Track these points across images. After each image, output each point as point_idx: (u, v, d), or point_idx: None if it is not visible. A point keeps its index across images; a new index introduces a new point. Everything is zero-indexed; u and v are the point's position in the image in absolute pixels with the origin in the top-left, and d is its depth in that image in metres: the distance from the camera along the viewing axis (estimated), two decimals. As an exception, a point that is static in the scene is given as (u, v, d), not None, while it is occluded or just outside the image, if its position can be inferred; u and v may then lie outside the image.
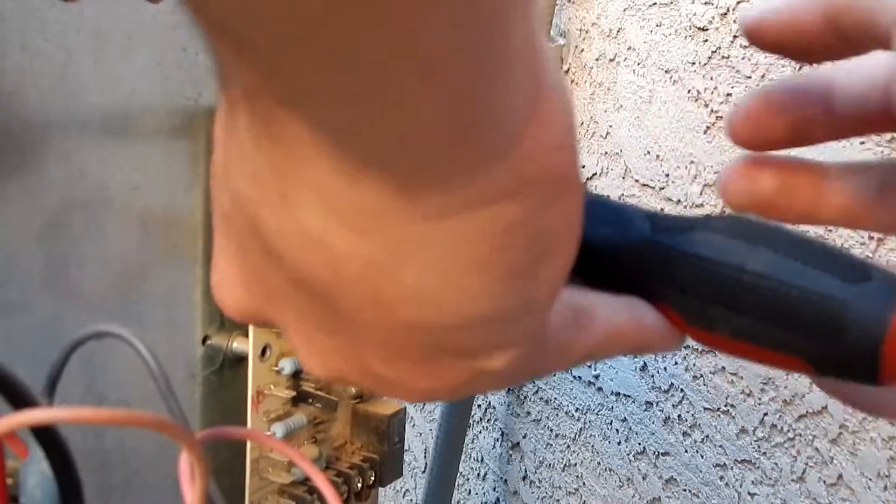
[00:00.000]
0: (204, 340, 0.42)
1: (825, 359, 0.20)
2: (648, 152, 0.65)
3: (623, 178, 0.67)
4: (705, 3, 0.60)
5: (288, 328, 0.17)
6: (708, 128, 0.60)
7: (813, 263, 0.20)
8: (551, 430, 0.79)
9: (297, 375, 0.43)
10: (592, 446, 0.74)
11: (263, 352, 0.42)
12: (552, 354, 0.19)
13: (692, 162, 0.61)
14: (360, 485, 0.46)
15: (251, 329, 0.41)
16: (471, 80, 0.13)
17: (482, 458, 0.88)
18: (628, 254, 0.22)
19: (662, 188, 0.64)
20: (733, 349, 0.21)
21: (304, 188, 0.14)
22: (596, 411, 0.73)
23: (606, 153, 0.69)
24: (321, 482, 0.38)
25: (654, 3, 0.65)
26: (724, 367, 0.60)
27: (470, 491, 0.90)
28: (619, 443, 0.71)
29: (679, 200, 0.62)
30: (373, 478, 0.46)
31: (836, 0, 0.20)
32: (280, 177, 0.14)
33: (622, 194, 0.67)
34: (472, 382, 0.18)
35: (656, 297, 0.21)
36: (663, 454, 0.66)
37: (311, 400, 0.43)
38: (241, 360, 0.43)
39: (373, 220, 0.14)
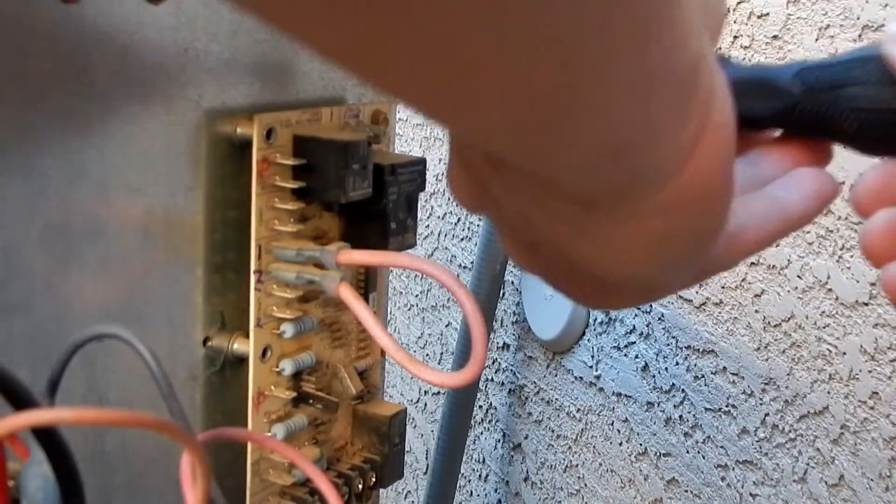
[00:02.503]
0: (205, 342, 0.42)
1: None
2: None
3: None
4: (705, 4, 0.60)
5: (501, 230, 0.23)
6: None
7: None
8: (553, 431, 0.79)
9: (297, 376, 0.43)
10: (594, 447, 0.74)
11: (264, 353, 0.42)
12: (703, 272, 0.23)
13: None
14: (360, 486, 0.46)
15: (252, 330, 0.41)
16: (638, 129, 0.17)
17: (484, 459, 0.88)
18: (786, 122, 0.24)
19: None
20: None
21: (553, 210, 0.19)
22: (597, 412, 0.73)
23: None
24: (323, 484, 0.38)
25: (655, 4, 0.65)
26: (725, 368, 0.60)
27: (471, 492, 0.90)
28: (620, 443, 0.71)
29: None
30: (374, 479, 0.46)
31: None
32: (541, 206, 0.20)
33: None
34: (635, 303, 0.25)
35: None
36: (665, 455, 0.66)
37: (311, 401, 0.43)
38: (242, 361, 0.43)
39: (588, 225, 0.19)
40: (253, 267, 0.40)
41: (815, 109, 0.23)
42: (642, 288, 0.22)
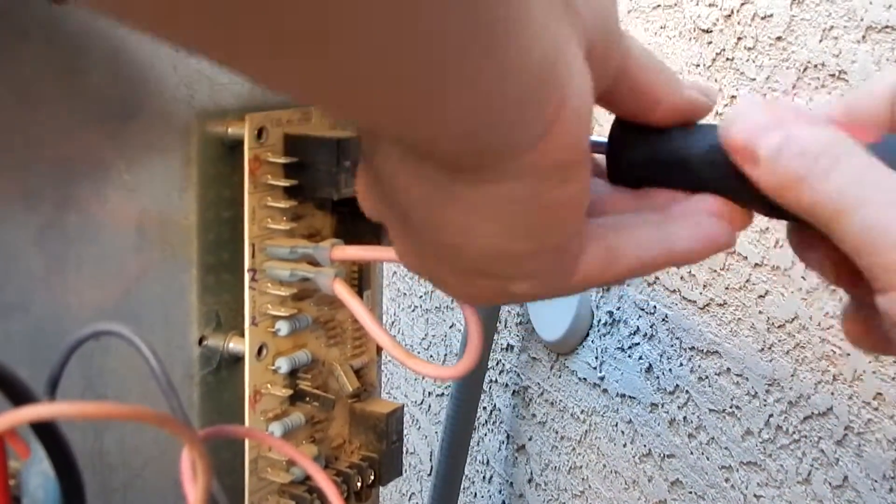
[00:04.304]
0: (200, 341, 0.42)
1: None
2: (652, 153, 0.64)
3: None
4: (709, 5, 0.60)
5: (391, 232, 0.25)
6: (711, 128, 0.60)
7: None
8: (557, 433, 0.78)
9: (293, 374, 0.43)
10: (598, 448, 0.73)
11: (260, 351, 0.42)
12: (580, 281, 0.24)
13: (696, 162, 0.61)
14: (359, 484, 0.46)
15: (247, 329, 0.41)
16: (501, 112, 0.19)
17: (488, 460, 0.88)
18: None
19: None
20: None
21: (425, 176, 0.22)
22: (601, 413, 0.73)
23: (611, 154, 0.69)
24: (323, 481, 0.38)
25: (658, 6, 0.64)
26: (729, 369, 0.60)
27: (476, 494, 0.90)
28: (624, 445, 0.71)
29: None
30: (372, 477, 0.46)
31: None
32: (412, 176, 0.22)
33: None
34: (501, 297, 0.25)
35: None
36: (669, 456, 0.66)
37: (307, 399, 0.43)
38: (238, 360, 0.43)
39: (455, 187, 0.21)
40: (247, 265, 0.40)
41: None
42: (501, 273, 0.23)
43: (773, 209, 0.24)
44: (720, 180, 0.25)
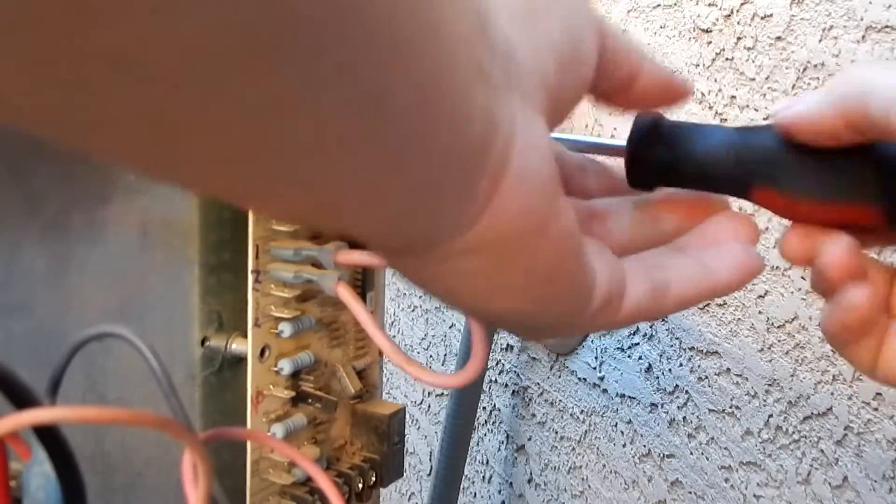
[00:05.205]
0: (203, 342, 0.42)
1: None
2: (652, 154, 0.65)
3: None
4: (709, 5, 0.60)
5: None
6: (711, 129, 0.60)
7: None
8: (556, 433, 0.78)
9: (295, 376, 0.43)
10: (598, 448, 0.74)
11: (262, 352, 0.42)
12: (626, 318, 0.24)
13: (696, 163, 0.61)
14: (361, 485, 0.46)
15: (250, 330, 0.41)
16: (418, 201, 0.19)
17: (487, 460, 0.88)
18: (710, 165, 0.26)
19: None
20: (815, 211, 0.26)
21: (390, 259, 0.22)
22: (601, 413, 0.73)
23: (610, 155, 0.69)
24: (324, 482, 0.38)
25: (658, 5, 0.64)
26: (728, 369, 0.60)
27: (475, 494, 0.90)
28: (624, 445, 0.71)
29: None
30: (374, 478, 0.46)
31: (849, 108, 0.24)
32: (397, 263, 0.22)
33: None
34: (539, 336, 0.26)
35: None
36: (668, 456, 0.66)
37: (310, 400, 0.43)
38: (240, 360, 0.43)
39: (416, 266, 0.21)
40: (251, 266, 0.40)
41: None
42: (517, 323, 0.23)
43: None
44: (745, 175, 0.26)
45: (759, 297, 0.57)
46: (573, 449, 0.76)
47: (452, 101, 0.17)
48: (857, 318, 0.25)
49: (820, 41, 0.52)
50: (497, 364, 0.85)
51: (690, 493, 0.65)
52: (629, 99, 0.26)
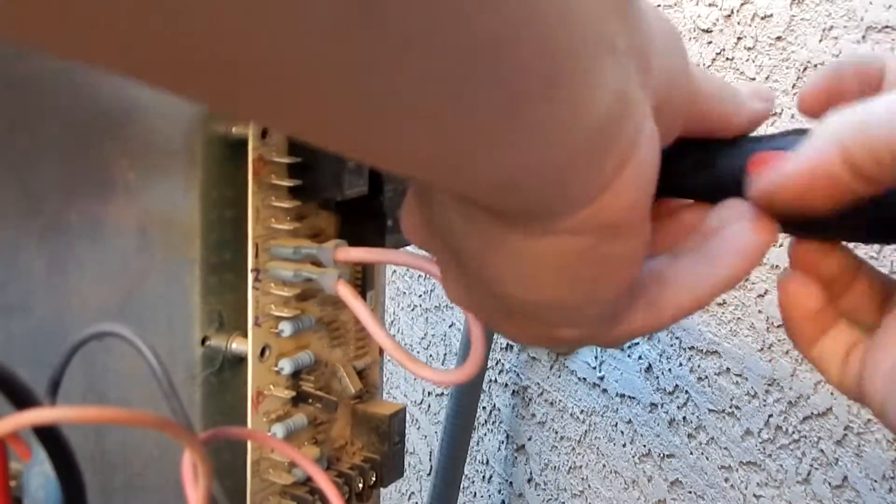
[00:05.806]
0: (203, 341, 0.42)
1: None
2: (652, 153, 0.65)
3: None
4: (709, 5, 0.60)
5: (440, 265, 0.25)
6: (711, 128, 0.60)
7: None
8: (556, 433, 0.78)
9: (296, 376, 0.43)
10: (598, 448, 0.74)
11: (263, 352, 0.42)
12: (623, 334, 0.25)
13: (696, 163, 0.61)
14: (361, 485, 0.46)
15: (250, 329, 0.41)
16: (558, 166, 0.19)
17: (487, 460, 0.88)
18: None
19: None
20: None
21: (475, 225, 0.22)
22: (601, 413, 0.73)
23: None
24: (323, 482, 0.38)
25: (658, 5, 0.64)
26: (728, 369, 0.60)
27: (475, 493, 0.90)
28: (624, 445, 0.71)
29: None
30: (374, 478, 0.46)
31: (849, 148, 0.22)
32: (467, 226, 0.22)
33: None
34: (547, 341, 0.25)
35: None
36: (668, 456, 0.66)
37: (310, 400, 0.43)
38: (241, 360, 0.43)
39: (504, 238, 0.21)
40: (250, 265, 0.40)
41: None
42: (549, 320, 0.23)
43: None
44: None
45: (759, 296, 0.57)
46: (573, 449, 0.76)
47: (578, 63, 0.17)
48: (799, 314, 0.26)
49: (820, 41, 0.52)
50: (497, 364, 0.85)
51: (690, 492, 0.65)
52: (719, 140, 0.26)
